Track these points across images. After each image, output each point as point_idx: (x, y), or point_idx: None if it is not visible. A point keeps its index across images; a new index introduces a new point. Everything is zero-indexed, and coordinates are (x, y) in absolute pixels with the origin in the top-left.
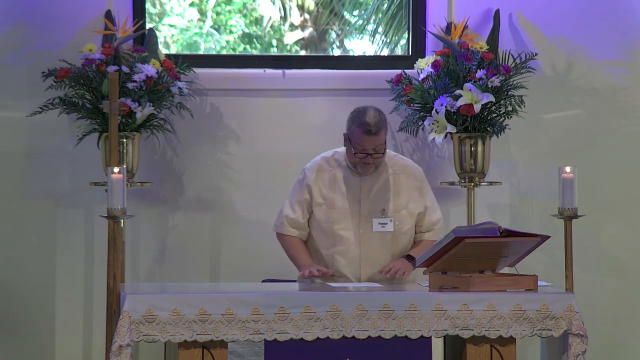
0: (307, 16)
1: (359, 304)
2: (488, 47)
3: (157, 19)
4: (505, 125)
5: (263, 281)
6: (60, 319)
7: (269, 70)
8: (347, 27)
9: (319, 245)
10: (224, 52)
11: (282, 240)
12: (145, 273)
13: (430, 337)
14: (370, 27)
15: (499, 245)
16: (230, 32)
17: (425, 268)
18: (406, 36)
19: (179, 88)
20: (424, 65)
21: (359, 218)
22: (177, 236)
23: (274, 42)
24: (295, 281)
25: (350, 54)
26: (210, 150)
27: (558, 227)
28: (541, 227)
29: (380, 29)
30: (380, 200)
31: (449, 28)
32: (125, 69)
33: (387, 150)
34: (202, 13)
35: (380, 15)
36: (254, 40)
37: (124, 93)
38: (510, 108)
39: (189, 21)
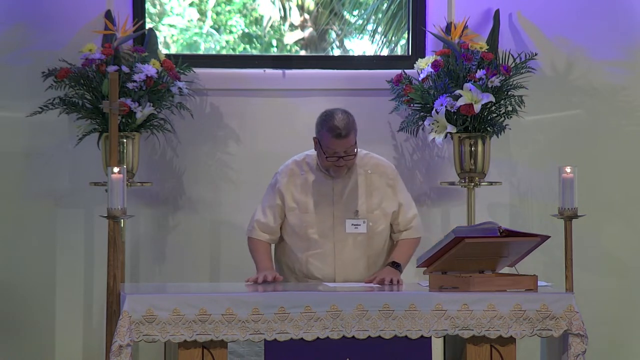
0: (307, 16)
1: (359, 304)
2: (488, 47)
3: (157, 19)
4: (505, 125)
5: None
6: (60, 319)
7: (269, 70)
8: (347, 27)
9: (294, 249)
10: (224, 52)
11: (250, 243)
12: (145, 273)
13: (430, 337)
14: (370, 27)
15: (499, 245)
16: (230, 32)
17: (425, 268)
18: (406, 36)
19: (179, 88)
20: (424, 65)
21: (333, 221)
22: (177, 236)
23: (274, 42)
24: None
25: (350, 54)
26: (210, 150)
27: (558, 227)
28: (541, 227)
29: (380, 29)
30: (353, 202)
31: (449, 28)
32: (125, 69)
33: (359, 150)
34: (202, 13)
35: (380, 15)
36: (254, 40)
37: (124, 93)
38: (510, 108)
39: (189, 21)
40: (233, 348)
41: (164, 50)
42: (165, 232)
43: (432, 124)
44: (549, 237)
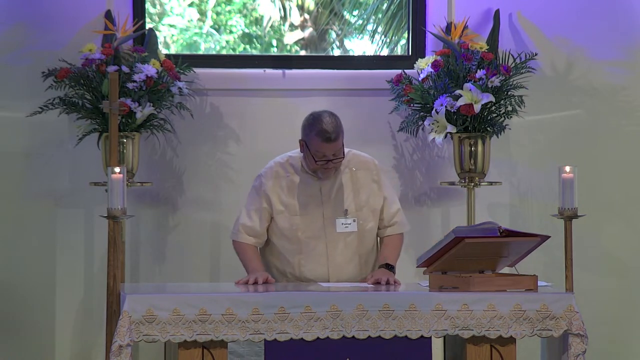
0: (307, 16)
1: (359, 304)
2: (488, 47)
3: (157, 19)
4: (505, 125)
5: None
6: (60, 319)
7: (269, 70)
8: (347, 27)
9: (284, 253)
10: (224, 52)
11: (236, 247)
12: (145, 273)
13: (430, 337)
14: (370, 27)
15: (499, 245)
16: (230, 32)
17: (425, 268)
18: (406, 36)
19: (179, 88)
20: (424, 65)
21: (323, 221)
22: (177, 236)
23: (274, 42)
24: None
25: (350, 54)
26: (210, 150)
27: (558, 227)
28: (541, 227)
29: (380, 29)
30: (342, 201)
31: (449, 28)
32: (125, 69)
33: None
34: (202, 13)
35: (380, 15)
36: (254, 40)
37: (124, 93)
38: (510, 108)
39: (189, 21)
40: (233, 348)
41: (164, 50)
42: (165, 232)
43: (432, 124)
44: (549, 237)
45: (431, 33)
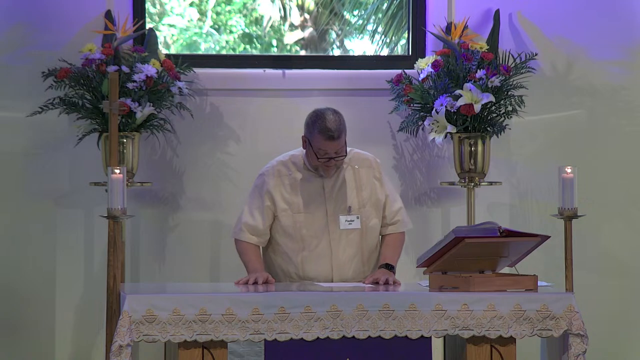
0: (307, 16)
1: (359, 304)
2: (488, 47)
3: (157, 19)
4: (505, 125)
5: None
6: (60, 319)
7: (269, 70)
8: (347, 27)
9: (287, 252)
10: (224, 52)
11: (238, 246)
12: (145, 273)
13: (430, 337)
14: (370, 27)
15: (499, 245)
16: (230, 32)
17: (425, 268)
18: (406, 36)
19: (179, 88)
20: (424, 65)
21: (326, 219)
22: (177, 236)
23: (274, 42)
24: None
25: (350, 54)
26: (210, 150)
27: (558, 227)
28: (541, 227)
29: (380, 29)
30: (345, 198)
31: (449, 28)
32: (125, 69)
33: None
34: (202, 13)
35: (380, 15)
36: (254, 40)
37: (124, 93)
38: (510, 108)
39: (189, 21)
40: (233, 348)
41: (164, 50)
42: (165, 232)
43: (432, 124)
44: (549, 237)
45: (431, 33)
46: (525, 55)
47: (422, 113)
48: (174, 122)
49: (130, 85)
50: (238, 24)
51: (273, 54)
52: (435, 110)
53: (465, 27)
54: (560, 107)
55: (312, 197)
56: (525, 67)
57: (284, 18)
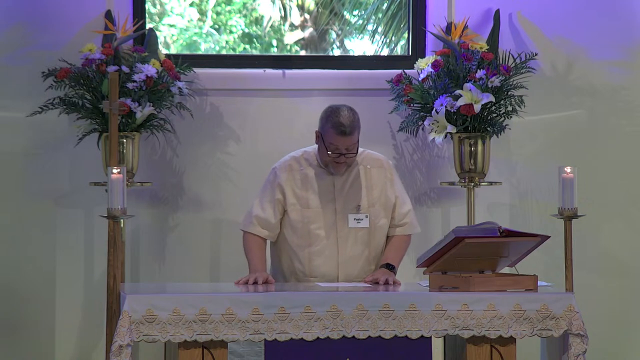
0: (307, 16)
1: (359, 304)
2: (488, 47)
3: (157, 19)
4: (505, 125)
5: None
6: (60, 319)
7: (269, 70)
8: (347, 27)
9: (293, 247)
10: (224, 52)
11: (246, 239)
12: (145, 273)
13: (430, 337)
14: (370, 27)
15: (499, 245)
16: (230, 32)
17: (425, 268)
18: (406, 36)
19: (179, 88)
20: (424, 65)
21: (335, 216)
22: (177, 236)
23: (274, 42)
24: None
25: (350, 54)
26: (210, 150)
27: (558, 227)
28: (541, 227)
29: (380, 29)
30: (354, 197)
31: (449, 28)
32: (125, 69)
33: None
34: (202, 13)
35: (380, 15)
36: (254, 40)
37: (124, 93)
38: (510, 108)
39: (189, 21)
40: (233, 348)
41: (164, 50)
42: (165, 232)
43: (432, 124)
44: (549, 237)
45: (431, 33)
46: (525, 55)
47: (422, 113)
48: (174, 122)
49: (130, 85)
50: (238, 24)
51: (273, 54)
52: (435, 110)
53: (465, 27)
54: (560, 107)
55: (322, 193)
56: (525, 67)
57: (284, 18)
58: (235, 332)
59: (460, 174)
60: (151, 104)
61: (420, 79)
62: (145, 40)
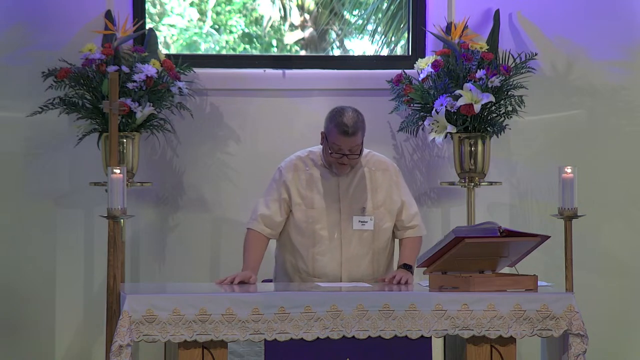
0: (307, 16)
1: (359, 304)
2: (488, 47)
3: (157, 19)
4: (505, 125)
5: (263, 281)
6: (60, 319)
7: (269, 70)
8: (347, 27)
9: (297, 246)
10: (224, 52)
11: (248, 236)
12: (145, 273)
13: (430, 337)
14: (370, 27)
15: (499, 245)
16: (230, 32)
17: (425, 268)
18: (406, 36)
19: (179, 88)
20: (424, 65)
21: (339, 217)
22: (177, 236)
23: (274, 42)
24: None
25: (350, 54)
26: (210, 150)
27: (558, 227)
28: (541, 227)
29: (380, 29)
30: (360, 199)
31: (449, 28)
32: (125, 69)
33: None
34: (202, 13)
35: (380, 15)
36: (254, 40)
37: (124, 93)
38: (510, 108)
39: (189, 21)
40: (233, 348)
41: (164, 50)
42: (165, 232)
43: (432, 124)
44: (549, 237)
45: (431, 33)
46: (525, 55)
47: (422, 113)
48: (174, 122)
49: (130, 85)
50: (238, 24)
51: (273, 54)
52: (435, 110)
53: (465, 27)
54: (560, 107)
55: (327, 194)
56: (525, 67)
57: (284, 18)
58: (235, 332)
59: (460, 174)
60: (151, 104)
61: (420, 79)
62: (145, 40)
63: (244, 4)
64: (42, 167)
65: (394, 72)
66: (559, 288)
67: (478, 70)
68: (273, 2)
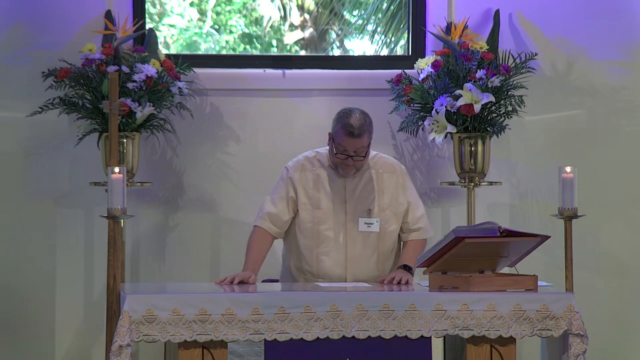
0: (307, 16)
1: (359, 304)
2: (488, 47)
3: (157, 19)
4: (505, 125)
5: (263, 281)
6: (60, 319)
7: (269, 70)
8: (347, 27)
9: (302, 247)
10: (224, 52)
11: (253, 233)
12: (145, 273)
13: (430, 337)
14: (370, 27)
15: (499, 245)
16: (230, 32)
17: (425, 268)
18: (406, 36)
19: (179, 88)
20: (424, 65)
21: (345, 218)
22: (177, 236)
23: (274, 42)
24: (296, 282)
25: (350, 54)
26: (210, 150)
27: (558, 227)
28: (541, 227)
29: (380, 29)
30: (366, 200)
31: (449, 28)
32: (125, 69)
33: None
34: (202, 13)
35: (380, 15)
36: (254, 40)
37: (124, 93)
38: (510, 108)
39: (189, 21)
40: (233, 348)
41: (164, 50)
42: (165, 232)
43: (432, 124)
44: (549, 237)
45: (431, 33)
46: (525, 55)
47: (422, 113)
48: (174, 122)
49: (130, 85)
50: (238, 24)
51: (273, 54)
52: (435, 110)
53: (465, 27)
54: (560, 107)
55: (334, 195)
56: (525, 67)
57: (284, 18)
58: (235, 332)
59: (460, 174)
60: (151, 104)
61: (420, 79)
62: (145, 40)
63: (244, 4)
64: (42, 167)
65: (394, 72)
66: (559, 288)
67: (478, 70)
68: (273, 2)
